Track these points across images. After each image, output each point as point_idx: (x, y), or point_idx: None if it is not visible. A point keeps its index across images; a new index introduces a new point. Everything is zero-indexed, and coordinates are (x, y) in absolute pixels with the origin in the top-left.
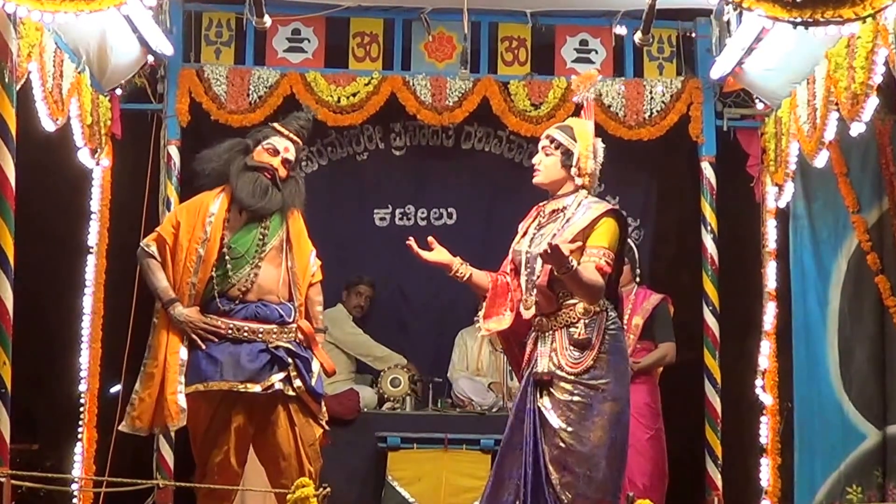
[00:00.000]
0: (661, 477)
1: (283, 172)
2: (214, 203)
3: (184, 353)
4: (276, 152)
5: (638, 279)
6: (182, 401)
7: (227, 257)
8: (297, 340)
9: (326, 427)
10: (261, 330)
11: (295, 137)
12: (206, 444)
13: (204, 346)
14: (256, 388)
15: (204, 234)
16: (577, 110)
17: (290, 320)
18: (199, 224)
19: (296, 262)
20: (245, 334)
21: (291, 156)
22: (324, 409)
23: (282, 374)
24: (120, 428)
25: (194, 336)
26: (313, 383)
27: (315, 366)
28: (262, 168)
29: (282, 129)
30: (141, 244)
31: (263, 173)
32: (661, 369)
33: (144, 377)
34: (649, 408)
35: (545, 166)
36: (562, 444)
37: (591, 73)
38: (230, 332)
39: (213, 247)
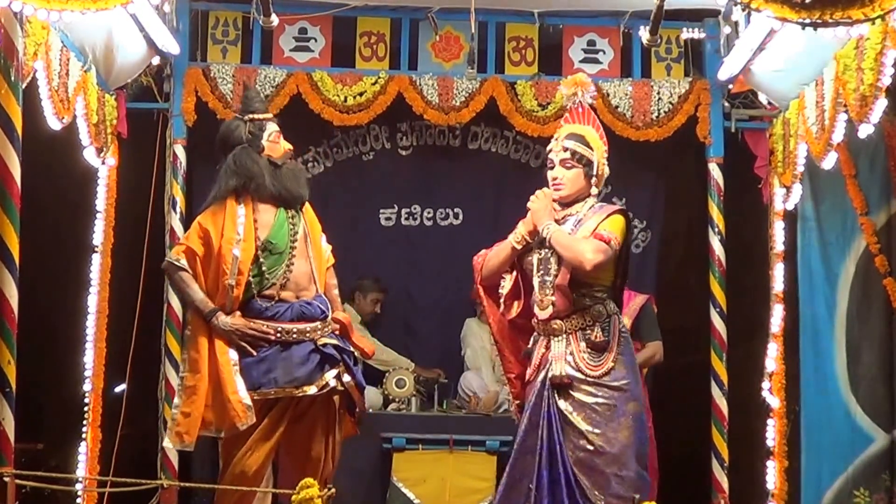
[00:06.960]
0: (652, 472)
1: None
2: (241, 205)
3: (233, 353)
4: (279, 135)
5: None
6: (246, 398)
7: (264, 253)
8: (336, 332)
9: (353, 416)
10: (308, 329)
11: (270, 115)
12: (233, 443)
13: (255, 353)
14: (312, 390)
15: (237, 235)
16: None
17: (330, 313)
18: (229, 226)
19: (313, 251)
20: (294, 336)
21: None
22: (364, 397)
23: (334, 371)
24: (165, 445)
25: (242, 343)
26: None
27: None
28: (289, 157)
29: (263, 116)
30: (168, 259)
31: (293, 160)
32: (646, 369)
33: (184, 392)
34: None
35: (569, 180)
36: (590, 447)
37: (581, 78)
38: (279, 335)
39: (249, 246)
